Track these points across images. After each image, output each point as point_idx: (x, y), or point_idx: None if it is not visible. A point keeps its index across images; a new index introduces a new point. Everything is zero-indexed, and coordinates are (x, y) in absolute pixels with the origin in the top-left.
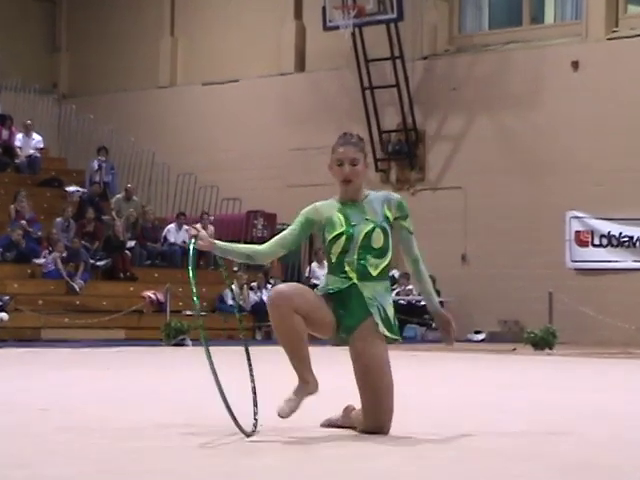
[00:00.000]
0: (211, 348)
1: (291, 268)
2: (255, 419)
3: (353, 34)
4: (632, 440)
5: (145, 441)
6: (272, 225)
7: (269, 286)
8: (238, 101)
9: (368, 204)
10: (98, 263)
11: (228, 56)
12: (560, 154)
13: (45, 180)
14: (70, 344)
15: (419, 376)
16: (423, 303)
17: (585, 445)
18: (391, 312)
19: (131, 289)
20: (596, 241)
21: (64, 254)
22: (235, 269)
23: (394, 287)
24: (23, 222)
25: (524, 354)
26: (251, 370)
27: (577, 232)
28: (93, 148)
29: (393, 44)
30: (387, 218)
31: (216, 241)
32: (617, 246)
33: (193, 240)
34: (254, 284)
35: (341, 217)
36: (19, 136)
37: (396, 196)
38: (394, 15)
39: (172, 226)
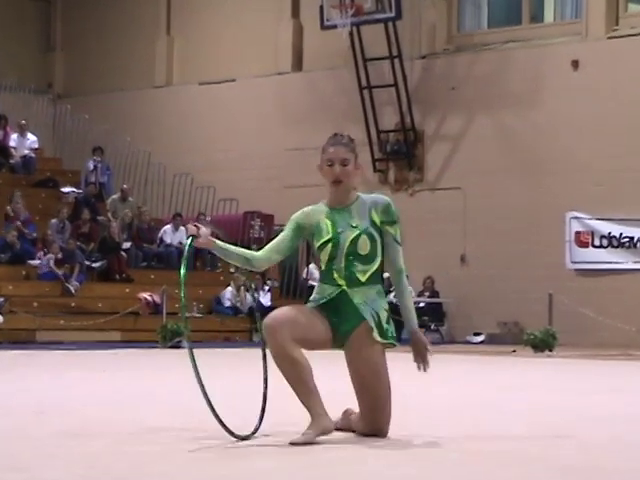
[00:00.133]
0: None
1: (289, 270)
2: (259, 424)
3: (351, 33)
4: (632, 442)
5: (142, 445)
6: (269, 226)
7: (266, 287)
8: (235, 101)
9: (356, 208)
10: (93, 264)
11: (224, 55)
12: (560, 154)
13: (40, 181)
14: (65, 346)
15: (418, 377)
16: (422, 305)
17: (585, 447)
18: (385, 316)
19: (127, 291)
20: (596, 242)
21: (59, 255)
22: (232, 270)
23: (392, 289)
24: (18, 223)
25: (524, 356)
26: (266, 375)
27: (577, 233)
28: (88, 148)
29: (391, 43)
30: (374, 223)
31: (216, 240)
32: (617, 247)
33: (191, 238)
34: (252, 285)
35: (328, 223)
36: (14, 136)
37: (384, 199)
38: (392, 14)
39: (168, 227)
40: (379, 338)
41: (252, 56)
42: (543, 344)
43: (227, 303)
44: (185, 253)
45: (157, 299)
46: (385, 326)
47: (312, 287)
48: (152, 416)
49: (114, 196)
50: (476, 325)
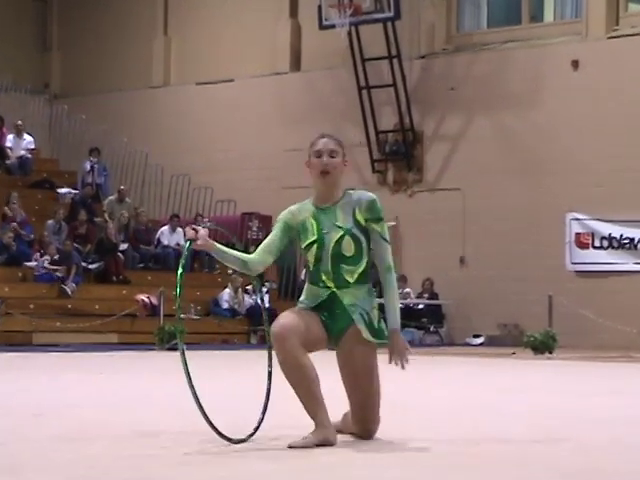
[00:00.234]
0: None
1: (287, 271)
2: (257, 426)
3: (349, 33)
4: (632, 445)
5: (139, 447)
6: (267, 227)
7: (264, 289)
8: (233, 101)
9: (341, 207)
10: (90, 266)
11: (222, 55)
12: (560, 154)
13: (36, 182)
14: (62, 348)
15: (418, 379)
16: (421, 306)
17: (585, 450)
18: (376, 315)
19: (124, 292)
20: (596, 243)
21: (56, 257)
22: (229, 272)
23: None
24: (14, 224)
25: (524, 358)
26: (270, 379)
27: (577, 234)
28: (85, 149)
29: (390, 43)
30: (358, 222)
31: (215, 242)
32: (618, 248)
33: (189, 242)
34: (249, 287)
35: (314, 223)
36: (10, 137)
37: (368, 196)
38: (391, 13)
39: (166, 228)
40: (371, 338)
41: (250, 56)
42: (543, 346)
43: (225, 305)
44: (183, 256)
45: (154, 301)
46: (377, 325)
47: None
48: (149, 418)
49: (111, 197)
50: (475, 327)
